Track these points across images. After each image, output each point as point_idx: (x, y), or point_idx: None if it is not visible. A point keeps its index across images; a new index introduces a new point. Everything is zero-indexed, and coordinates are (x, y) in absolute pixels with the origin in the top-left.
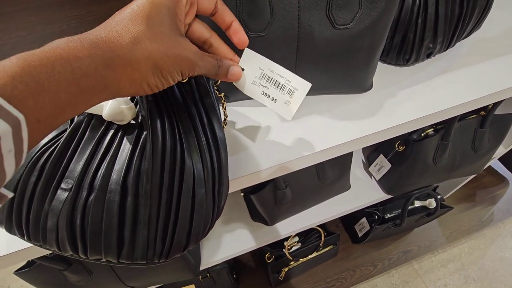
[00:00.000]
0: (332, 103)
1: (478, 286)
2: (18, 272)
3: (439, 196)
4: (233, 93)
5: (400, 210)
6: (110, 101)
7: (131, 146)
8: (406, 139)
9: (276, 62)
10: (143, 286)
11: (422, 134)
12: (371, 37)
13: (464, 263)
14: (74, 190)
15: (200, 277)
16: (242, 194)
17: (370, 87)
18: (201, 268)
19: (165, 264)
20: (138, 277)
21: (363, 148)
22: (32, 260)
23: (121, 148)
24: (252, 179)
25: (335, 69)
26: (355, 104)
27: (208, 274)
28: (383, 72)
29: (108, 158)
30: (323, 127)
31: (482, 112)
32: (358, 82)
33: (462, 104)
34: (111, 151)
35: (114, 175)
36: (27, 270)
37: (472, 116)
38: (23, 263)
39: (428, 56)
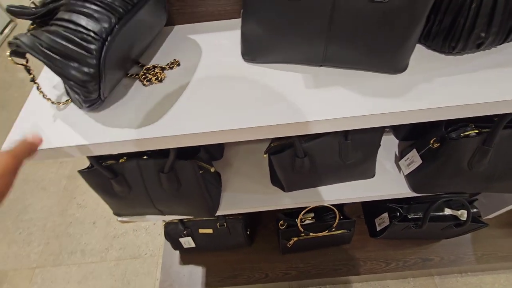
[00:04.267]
0: (360, 78)
1: None
2: (81, 171)
3: (474, 210)
4: (262, 55)
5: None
6: None
7: None
8: (442, 136)
9: (308, 31)
10: (168, 212)
11: (462, 134)
12: (409, 14)
13: None
14: None
15: (218, 224)
16: (265, 155)
17: (404, 68)
18: (218, 213)
19: (188, 199)
20: (166, 203)
21: (398, 142)
22: (91, 164)
23: None
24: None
25: (367, 44)
26: (386, 83)
27: (225, 224)
28: (424, 57)
29: None
30: (347, 98)
31: None
32: (392, 61)
33: (508, 100)
34: None
35: None
36: (87, 170)
37: None
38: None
39: (479, 46)
